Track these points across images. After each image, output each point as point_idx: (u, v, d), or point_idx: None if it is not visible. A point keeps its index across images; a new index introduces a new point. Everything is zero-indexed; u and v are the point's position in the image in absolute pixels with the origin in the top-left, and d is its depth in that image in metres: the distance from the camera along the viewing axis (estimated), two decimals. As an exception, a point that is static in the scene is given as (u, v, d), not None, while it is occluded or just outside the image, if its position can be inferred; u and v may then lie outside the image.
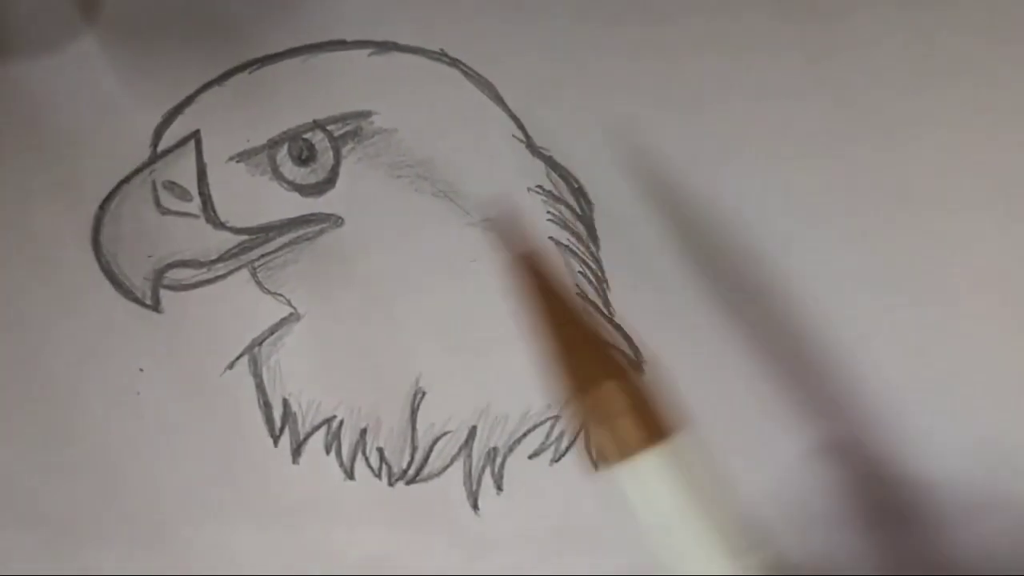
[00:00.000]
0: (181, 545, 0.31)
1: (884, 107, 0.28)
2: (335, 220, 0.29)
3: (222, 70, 0.28)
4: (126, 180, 0.29)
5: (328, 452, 0.30)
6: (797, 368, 0.29)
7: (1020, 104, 0.28)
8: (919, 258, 0.29)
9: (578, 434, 0.25)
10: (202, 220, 0.29)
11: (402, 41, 0.28)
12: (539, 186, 0.29)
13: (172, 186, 0.29)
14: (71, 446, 0.30)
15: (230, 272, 0.29)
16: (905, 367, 0.29)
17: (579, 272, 0.29)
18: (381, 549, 0.31)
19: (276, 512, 0.31)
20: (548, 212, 0.29)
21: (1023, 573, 0.29)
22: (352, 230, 0.29)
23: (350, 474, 0.30)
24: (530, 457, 0.30)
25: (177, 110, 0.29)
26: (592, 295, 0.29)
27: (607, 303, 0.29)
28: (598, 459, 0.24)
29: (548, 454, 0.30)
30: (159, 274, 0.29)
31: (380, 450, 0.30)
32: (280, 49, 0.28)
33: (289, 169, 0.29)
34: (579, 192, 0.29)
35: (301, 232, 0.29)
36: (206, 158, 0.29)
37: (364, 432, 0.30)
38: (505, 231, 0.26)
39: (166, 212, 0.29)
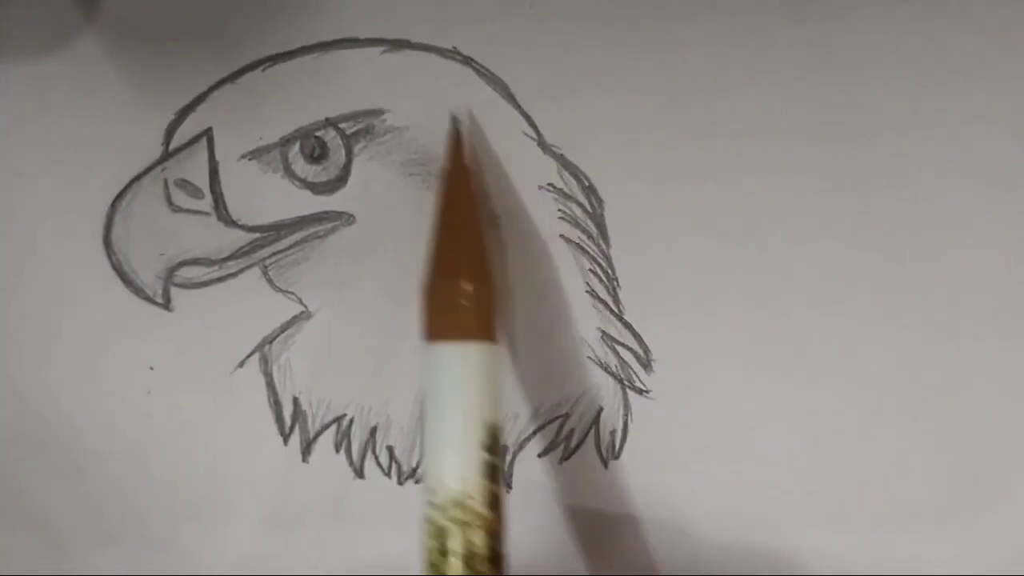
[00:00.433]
0: (191, 543, 0.31)
1: (891, 108, 0.28)
2: (347, 218, 0.29)
3: (234, 68, 0.28)
4: (137, 178, 0.29)
5: (338, 451, 0.30)
6: (803, 367, 0.29)
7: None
8: (922, 258, 0.29)
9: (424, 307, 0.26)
10: (214, 218, 0.29)
11: (415, 39, 0.28)
12: (550, 184, 0.29)
13: (184, 184, 0.29)
14: (81, 445, 0.30)
15: (241, 270, 0.30)
16: (905, 367, 0.29)
17: (589, 270, 0.29)
18: (391, 548, 0.31)
19: (286, 511, 0.31)
20: (559, 210, 0.29)
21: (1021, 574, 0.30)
22: (363, 228, 0.29)
23: (360, 473, 0.30)
24: (539, 456, 0.30)
25: (189, 108, 0.29)
26: (602, 293, 0.29)
27: (617, 301, 0.29)
28: (425, 335, 0.26)
29: (558, 452, 0.30)
30: (170, 272, 0.29)
31: (390, 448, 0.30)
32: (293, 47, 0.28)
33: (301, 167, 0.29)
34: (590, 190, 0.29)
35: (312, 230, 0.29)
36: (218, 156, 0.29)
37: (374, 431, 0.30)
38: (450, 144, 0.28)
39: (178, 210, 0.29)
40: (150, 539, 0.31)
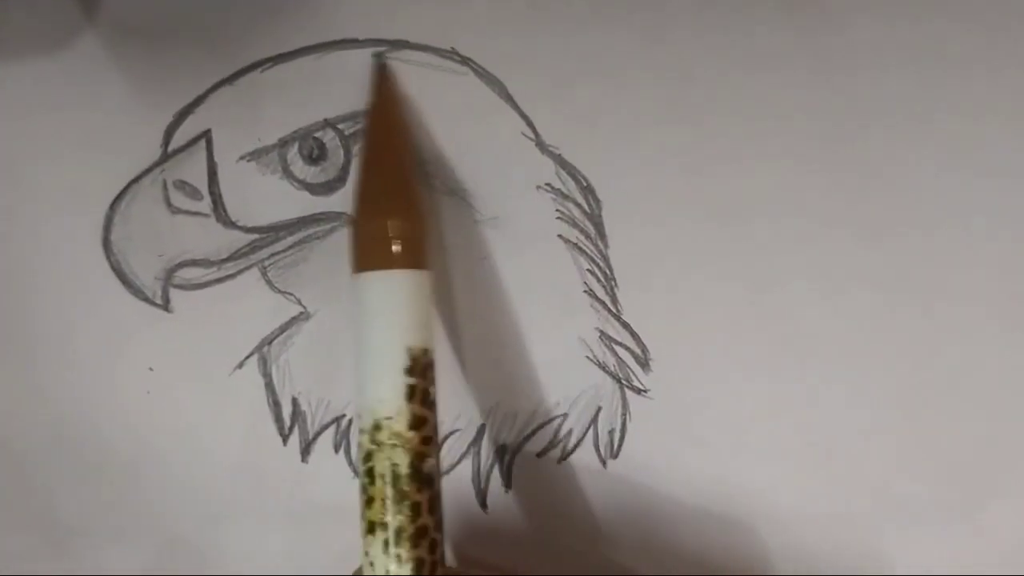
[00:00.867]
0: (190, 544, 0.31)
1: (891, 103, 0.28)
2: (345, 219, 0.29)
3: (233, 69, 0.28)
4: (136, 180, 0.29)
5: (337, 451, 0.30)
6: (802, 367, 0.29)
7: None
8: (923, 256, 0.29)
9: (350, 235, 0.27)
10: (212, 219, 0.29)
11: (413, 39, 0.28)
12: (548, 184, 0.29)
13: (183, 185, 0.29)
14: (81, 446, 0.31)
15: (240, 271, 0.30)
16: (905, 366, 0.29)
17: (587, 270, 0.29)
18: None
19: (285, 511, 0.31)
20: (557, 210, 0.29)
21: (1021, 574, 0.30)
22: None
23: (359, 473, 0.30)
24: (538, 455, 0.30)
25: (188, 109, 0.29)
26: (601, 293, 0.29)
27: (615, 301, 0.29)
28: (353, 266, 0.26)
29: (556, 452, 0.30)
30: (169, 273, 0.29)
31: (389, 449, 0.30)
32: (291, 48, 0.28)
33: (300, 168, 0.29)
34: (588, 190, 0.29)
35: (311, 231, 0.29)
36: (217, 157, 0.29)
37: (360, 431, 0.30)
38: (377, 80, 0.28)
39: (176, 211, 0.29)
40: (150, 539, 0.31)
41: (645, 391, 0.30)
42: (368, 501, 0.25)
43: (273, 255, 0.29)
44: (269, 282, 0.30)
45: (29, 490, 0.31)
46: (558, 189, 0.29)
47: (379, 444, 0.25)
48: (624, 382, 0.30)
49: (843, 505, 0.30)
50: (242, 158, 0.29)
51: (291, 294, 0.30)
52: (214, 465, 0.31)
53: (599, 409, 0.30)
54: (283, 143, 0.29)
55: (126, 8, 0.28)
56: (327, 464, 0.30)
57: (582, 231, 0.29)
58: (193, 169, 0.29)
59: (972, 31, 0.28)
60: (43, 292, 0.30)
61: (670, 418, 0.30)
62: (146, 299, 0.30)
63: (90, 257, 0.29)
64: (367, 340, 0.25)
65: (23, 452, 0.31)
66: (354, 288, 0.26)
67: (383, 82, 0.28)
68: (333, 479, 0.31)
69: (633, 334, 0.30)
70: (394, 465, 0.25)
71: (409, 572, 0.25)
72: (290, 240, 0.29)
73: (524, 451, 0.30)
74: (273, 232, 0.29)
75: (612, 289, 0.29)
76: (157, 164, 0.29)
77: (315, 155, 0.29)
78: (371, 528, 0.25)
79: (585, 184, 0.29)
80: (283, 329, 0.30)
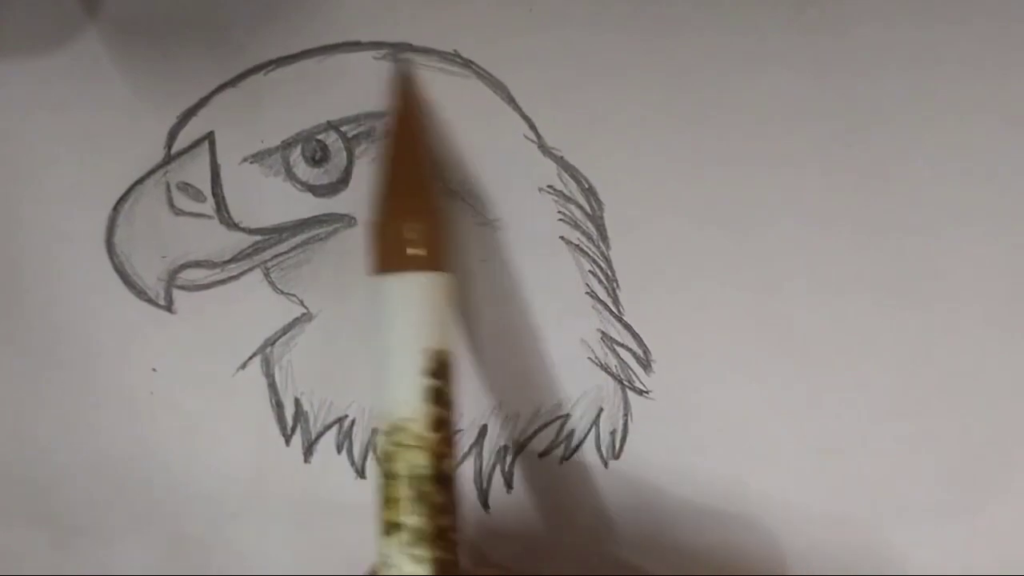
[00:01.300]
0: (192, 543, 0.31)
1: (892, 104, 0.28)
2: (348, 220, 0.29)
3: (236, 72, 0.28)
4: (140, 181, 0.29)
5: (339, 451, 0.31)
6: (802, 367, 0.29)
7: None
8: (924, 257, 0.29)
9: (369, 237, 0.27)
10: (216, 221, 0.29)
11: (416, 42, 0.28)
12: (550, 186, 0.29)
13: (186, 187, 0.29)
14: (85, 446, 0.31)
15: (243, 272, 0.30)
16: (906, 367, 0.29)
17: (589, 271, 0.29)
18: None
19: (288, 511, 0.31)
20: (559, 212, 0.29)
21: (1021, 574, 0.30)
22: (365, 230, 0.29)
23: (361, 473, 0.31)
24: (540, 456, 0.30)
25: (191, 111, 0.29)
26: (602, 294, 0.29)
27: (617, 303, 0.29)
28: (373, 269, 0.26)
29: (558, 453, 0.30)
30: (172, 275, 0.30)
31: (391, 449, 0.30)
32: (295, 51, 0.28)
33: (302, 170, 0.29)
34: (590, 192, 0.29)
35: (314, 232, 0.29)
36: (220, 159, 0.29)
37: (375, 431, 0.30)
38: (399, 84, 0.28)
39: (180, 213, 0.29)
40: (153, 538, 0.31)
41: (647, 392, 0.30)
42: (386, 501, 0.25)
43: (276, 256, 0.30)
44: (272, 283, 0.30)
45: (32, 489, 0.31)
46: (560, 191, 0.29)
47: (399, 445, 0.25)
48: (626, 383, 0.30)
49: (844, 505, 0.30)
50: (245, 160, 0.29)
51: (294, 295, 0.30)
52: (217, 466, 0.31)
53: (601, 410, 0.30)
54: (286, 145, 0.29)
55: (130, 10, 0.28)
56: (329, 464, 0.31)
57: (584, 233, 0.29)
58: (196, 171, 0.29)
59: (973, 34, 0.28)
60: (47, 293, 0.30)
61: (671, 419, 0.30)
62: (149, 300, 0.30)
63: (94, 259, 0.29)
64: (386, 341, 0.25)
65: (26, 452, 0.31)
66: (373, 289, 0.26)
67: (404, 86, 0.28)
68: (335, 479, 0.31)
69: (635, 335, 0.30)
70: (414, 466, 0.25)
71: (428, 572, 0.25)
72: (293, 241, 0.29)
73: (526, 451, 0.31)
74: (276, 234, 0.29)
75: (614, 291, 0.29)
76: (160, 166, 0.29)
77: (318, 157, 0.29)
78: (389, 528, 0.25)
79: (587, 186, 0.29)
80: (286, 330, 0.30)
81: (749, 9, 0.28)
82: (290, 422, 0.30)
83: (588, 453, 0.30)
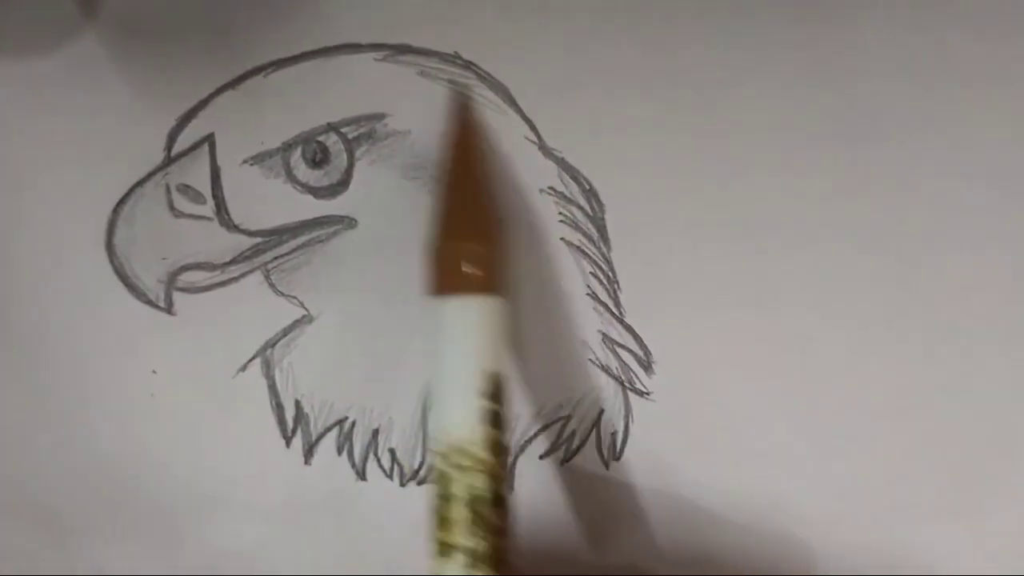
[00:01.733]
0: (194, 546, 0.31)
1: (893, 109, 0.28)
2: (348, 222, 0.29)
3: (237, 73, 0.28)
4: (139, 183, 0.29)
5: (340, 453, 0.31)
6: (803, 369, 0.29)
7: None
8: (924, 259, 0.29)
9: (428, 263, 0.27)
10: (216, 223, 0.29)
11: (416, 44, 0.28)
12: (551, 187, 0.29)
13: (186, 189, 0.29)
14: (85, 448, 0.31)
15: (243, 274, 0.30)
16: (906, 368, 0.29)
17: (590, 273, 0.29)
18: (394, 550, 0.31)
19: (288, 513, 0.31)
20: (560, 213, 0.29)
21: (1021, 574, 0.30)
22: (365, 232, 0.29)
23: (362, 475, 0.31)
24: (541, 457, 0.30)
25: (191, 113, 0.29)
26: (603, 296, 0.29)
27: (618, 304, 0.29)
28: (430, 291, 0.26)
29: (559, 454, 0.30)
30: (172, 277, 0.29)
31: (392, 451, 0.30)
32: (295, 52, 0.28)
33: (303, 172, 0.29)
34: (591, 194, 0.29)
35: (314, 234, 0.29)
36: (220, 161, 0.29)
37: (376, 433, 0.30)
38: (457, 107, 0.28)
39: (179, 215, 0.29)
40: (154, 541, 0.31)
41: (648, 394, 0.30)
42: (441, 522, 0.25)
43: (276, 258, 0.29)
44: (272, 285, 0.30)
45: (32, 491, 0.31)
46: (561, 192, 0.29)
47: (457, 467, 0.25)
48: (627, 385, 0.30)
49: (845, 506, 0.30)
50: (245, 162, 0.29)
51: (294, 297, 0.30)
52: (217, 467, 0.31)
53: (602, 412, 0.30)
54: (286, 147, 0.29)
55: (129, 11, 0.28)
56: (330, 466, 0.31)
57: (585, 234, 0.29)
58: (196, 173, 0.29)
59: (976, 40, 0.28)
60: (46, 295, 0.30)
61: (673, 421, 0.30)
62: (149, 302, 0.30)
63: (93, 261, 0.29)
64: (446, 363, 0.26)
65: (26, 454, 0.31)
66: (432, 312, 0.26)
67: (462, 111, 0.28)
68: (336, 481, 0.31)
69: (636, 337, 0.30)
70: (472, 488, 0.25)
71: None
72: (293, 243, 0.29)
73: (527, 453, 0.30)
74: (276, 235, 0.29)
75: (615, 292, 0.29)
76: (160, 168, 0.29)
77: (318, 159, 0.29)
78: (444, 550, 0.25)
79: (588, 187, 0.29)
80: (286, 332, 0.30)
81: (751, 13, 0.28)
82: (290, 424, 0.30)
83: (589, 454, 0.30)
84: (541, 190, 0.29)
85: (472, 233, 0.27)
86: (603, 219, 0.29)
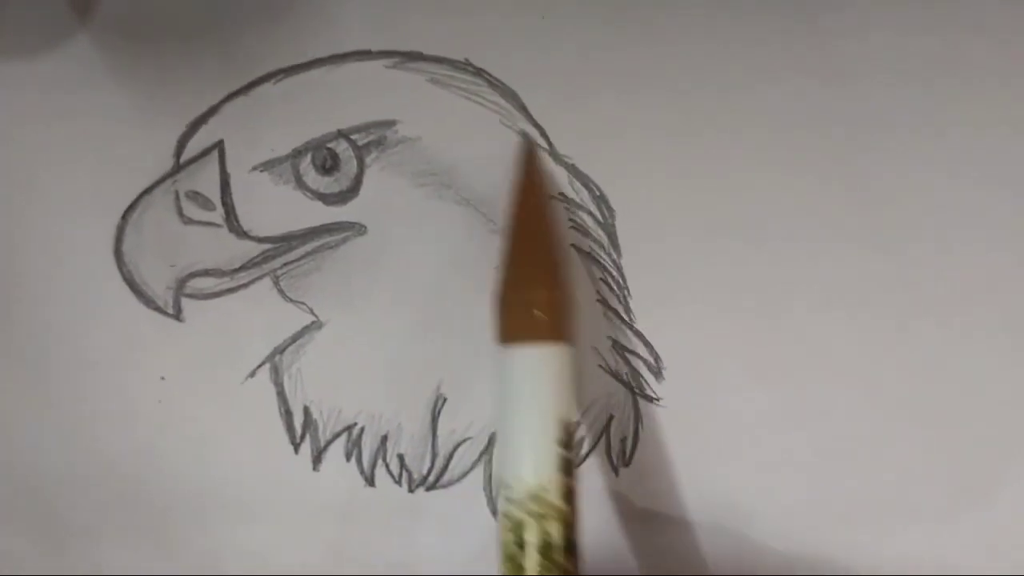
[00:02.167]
0: (202, 552, 0.31)
1: (901, 111, 0.28)
2: (358, 228, 0.29)
3: (246, 80, 0.28)
4: (148, 190, 0.29)
5: (348, 459, 0.30)
6: (813, 376, 0.29)
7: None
8: (933, 264, 0.29)
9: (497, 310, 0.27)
10: (225, 229, 0.29)
11: (427, 51, 0.28)
12: (562, 194, 0.29)
13: (195, 196, 0.29)
14: (94, 454, 0.31)
15: (252, 281, 0.30)
16: (915, 374, 0.29)
17: (600, 279, 0.29)
18: (402, 555, 0.31)
19: (297, 519, 0.31)
20: (570, 220, 0.29)
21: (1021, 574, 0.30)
22: (375, 238, 0.29)
23: (370, 481, 0.31)
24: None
25: (201, 120, 0.29)
26: (613, 302, 0.29)
27: (628, 310, 0.29)
28: (500, 339, 0.26)
29: (568, 460, 0.30)
30: (181, 283, 0.29)
31: (400, 457, 0.30)
32: (304, 59, 0.28)
33: (313, 178, 0.29)
34: (601, 200, 0.29)
35: (324, 241, 0.29)
36: (229, 168, 0.29)
37: (385, 439, 0.30)
38: (524, 155, 0.29)
39: (189, 222, 0.29)
40: (161, 546, 0.31)
41: (657, 399, 0.30)
42: (516, 568, 0.25)
43: (285, 265, 0.29)
44: (281, 292, 0.30)
45: (40, 495, 0.31)
46: (571, 199, 0.29)
47: (532, 514, 0.25)
48: (637, 391, 0.30)
49: (852, 511, 0.30)
50: (255, 168, 0.29)
51: (303, 303, 0.30)
52: (225, 474, 0.31)
53: (611, 417, 0.30)
54: (296, 154, 0.29)
55: (140, 18, 0.28)
56: (338, 473, 0.30)
57: (595, 240, 0.29)
58: (206, 180, 0.29)
59: (982, 42, 0.28)
60: (55, 301, 0.30)
61: (682, 427, 0.30)
62: (158, 309, 0.30)
63: (102, 267, 0.29)
64: (520, 411, 0.26)
65: (32, 458, 0.31)
66: (504, 360, 0.26)
67: (529, 159, 0.28)
68: (344, 488, 0.31)
69: (646, 343, 0.30)
70: (546, 534, 0.25)
71: None
72: (302, 250, 0.29)
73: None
74: (285, 242, 0.29)
75: (625, 298, 0.29)
76: (169, 175, 0.29)
77: (328, 165, 0.29)
78: None
79: (598, 194, 0.29)
80: (295, 338, 0.30)
81: (760, 18, 0.28)
82: (299, 430, 0.30)
83: (599, 460, 0.30)
84: (552, 196, 0.29)
85: (542, 281, 0.27)
86: (613, 225, 0.29)
